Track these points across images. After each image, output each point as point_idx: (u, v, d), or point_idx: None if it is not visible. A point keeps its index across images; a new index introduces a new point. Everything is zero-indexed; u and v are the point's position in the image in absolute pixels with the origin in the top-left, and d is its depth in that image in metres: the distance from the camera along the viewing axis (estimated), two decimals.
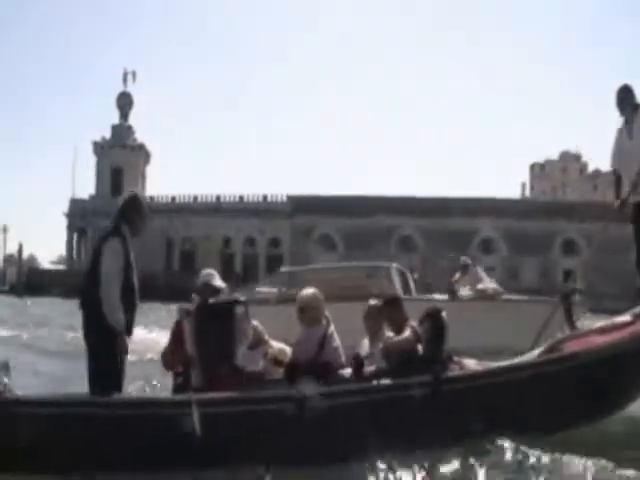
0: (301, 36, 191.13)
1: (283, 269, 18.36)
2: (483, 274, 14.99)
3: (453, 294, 13.78)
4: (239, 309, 6.13)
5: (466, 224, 72.24)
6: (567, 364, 5.97)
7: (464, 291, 13.96)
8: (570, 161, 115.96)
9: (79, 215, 76.80)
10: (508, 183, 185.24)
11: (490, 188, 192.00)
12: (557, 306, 7.68)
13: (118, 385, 5.86)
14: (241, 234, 73.21)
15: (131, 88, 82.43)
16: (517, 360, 6.52)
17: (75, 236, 79.51)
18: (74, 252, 79.82)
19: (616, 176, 7.42)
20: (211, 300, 6.22)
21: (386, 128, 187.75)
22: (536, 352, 6.51)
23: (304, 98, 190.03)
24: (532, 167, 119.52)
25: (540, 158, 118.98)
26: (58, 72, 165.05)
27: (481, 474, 5.21)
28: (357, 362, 5.97)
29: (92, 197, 78.75)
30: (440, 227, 71.92)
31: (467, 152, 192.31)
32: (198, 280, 6.42)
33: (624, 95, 7.22)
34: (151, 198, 71.45)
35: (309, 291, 6.17)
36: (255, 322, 6.31)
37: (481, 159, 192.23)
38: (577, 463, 5.30)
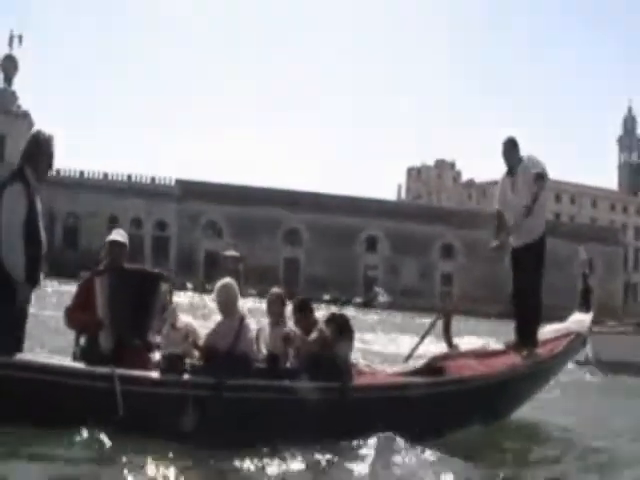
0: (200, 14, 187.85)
1: None
2: None
3: None
4: (164, 286, 6.14)
5: (351, 222, 74.04)
6: (458, 386, 6.82)
7: None
8: (445, 168, 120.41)
9: None
10: (382, 183, 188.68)
11: (364, 187, 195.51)
12: (436, 319, 8.05)
13: (17, 340, 5.56)
14: (128, 214, 72.10)
15: (17, 52, 79.10)
16: (399, 368, 7.30)
17: None
18: None
19: (498, 216, 7.81)
20: (129, 266, 6.16)
21: (273, 122, 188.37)
22: (412, 363, 7.29)
23: (197, 81, 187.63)
24: (409, 171, 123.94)
25: (416, 162, 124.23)
26: None
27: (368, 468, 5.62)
28: (272, 359, 6.27)
29: None
30: (326, 222, 73.37)
31: (344, 150, 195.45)
32: (106, 242, 6.23)
33: (510, 147, 7.66)
34: None
35: (225, 282, 6.21)
36: (172, 304, 6.31)
37: (357, 158, 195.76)
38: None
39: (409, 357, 7.70)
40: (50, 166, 5.72)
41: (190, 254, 71.83)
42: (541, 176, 7.41)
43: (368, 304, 56.89)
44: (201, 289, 50.85)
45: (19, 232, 5.38)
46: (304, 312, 6.66)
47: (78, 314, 5.95)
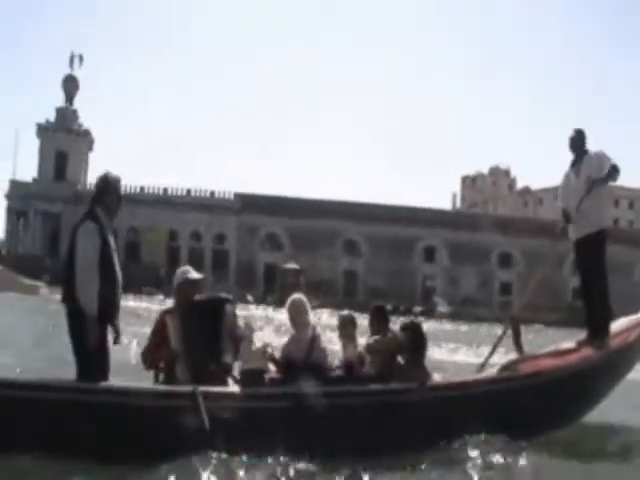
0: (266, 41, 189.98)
1: None
2: None
3: None
4: (229, 307, 6.31)
5: (409, 232, 73.98)
6: (531, 381, 6.80)
7: None
8: (500, 176, 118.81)
9: (20, 198, 75.31)
10: (435, 192, 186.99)
11: (416, 195, 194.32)
12: (506, 329, 7.98)
13: (101, 372, 5.73)
14: (187, 227, 73.35)
15: (77, 72, 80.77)
16: (476, 377, 7.16)
17: (16, 220, 77.94)
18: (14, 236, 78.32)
19: (564, 215, 7.96)
20: (197, 297, 6.35)
21: (323, 131, 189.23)
22: (493, 370, 7.20)
23: (258, 97, 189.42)
24: (464, 179, 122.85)
25: (469, 170, 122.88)
26: (2, 49, 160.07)
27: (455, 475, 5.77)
28: (348, 365, 6.44)
29: (35, 180, 77.20)
30: (384, 233, 73.42)
31: (397, 159, 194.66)
32: (175, 280, 6.41)
33: (578, 138, 7.82)
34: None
35: (297, 297, 6.50)
36: (243, 320, 6.52)
37: (410, 166, 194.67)
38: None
39: (482, 367, 7.63)
40: (119, 205, 6.05)
41: (249, 267, 72.57)
42: (617, 169, 7.57)
43: (427, 313, 56.73)
44: (261, 301, 51.52)
45: (93, 268, 5.63)
46: (382, 322, 6.82)
47: (154, 353, 6.21)
